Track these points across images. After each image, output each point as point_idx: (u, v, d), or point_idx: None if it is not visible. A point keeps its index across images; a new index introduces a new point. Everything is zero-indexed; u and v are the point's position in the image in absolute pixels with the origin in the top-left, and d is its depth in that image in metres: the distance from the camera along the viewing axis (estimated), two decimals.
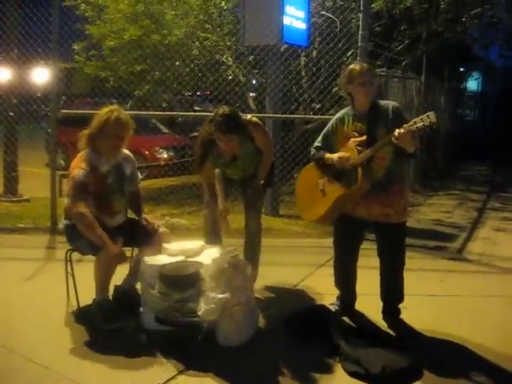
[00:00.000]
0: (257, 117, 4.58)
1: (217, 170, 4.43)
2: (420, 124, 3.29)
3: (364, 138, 3.64)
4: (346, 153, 3.67)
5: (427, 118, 3.27)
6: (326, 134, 3.93)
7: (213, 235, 4.51)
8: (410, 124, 3.34)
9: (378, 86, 7.77)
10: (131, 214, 4.35)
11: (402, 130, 3.34)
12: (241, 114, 4.24)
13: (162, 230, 4.21)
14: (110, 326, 3.80)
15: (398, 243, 3.87)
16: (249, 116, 4.36)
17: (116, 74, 9.22)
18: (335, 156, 3.72)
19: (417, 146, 3.50)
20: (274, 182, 4.83)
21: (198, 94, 11.46)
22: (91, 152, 3.97)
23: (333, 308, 4.13)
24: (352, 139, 3.68)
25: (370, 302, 4.13)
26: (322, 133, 3.98)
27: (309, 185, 3.99)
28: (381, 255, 3.92)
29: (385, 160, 3.65)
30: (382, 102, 3.78)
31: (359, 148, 3.61)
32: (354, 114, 3.76)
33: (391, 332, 3.90)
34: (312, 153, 3.98)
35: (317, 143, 3.97)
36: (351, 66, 3.77)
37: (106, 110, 3.99)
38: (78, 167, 3.88)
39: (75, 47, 9.13)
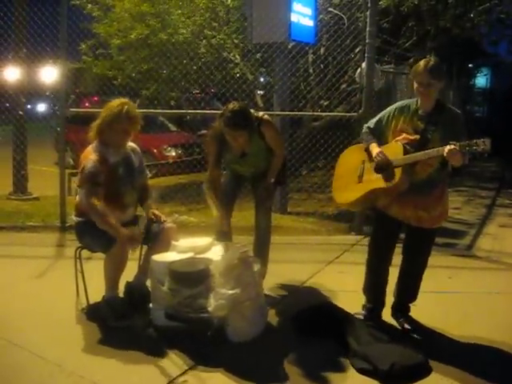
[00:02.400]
0: None
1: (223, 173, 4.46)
2: (473, 148, 3.20)
3: (417, 137, 3.51)
4: (393, 147, 3.56)
5: (482, 144, 3.17)
6: (380, 118, 3.75)
7: (222, 234, 4.52)
8: (463, 144, 3.22)
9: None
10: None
11: (452, 147, 3.22)
12: (252, 111, 4.24)
13: (168, 224, 4.22)
14: (119, 323, 3.83)
15: (424, 248, 3.82)
16: (261, 113, 4.35)
17: (124, 72, 9.24)
18: (376, 151, 3.59)
19: (465, 163, 3.36)
20: (285, 181, 4.81)
21: (213, 91, 11.39)
22: (100, 144, 3.99)
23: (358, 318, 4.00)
24: (404, 135, 3.55)
25: None
26: (378, 114, 3.81)
27: (349, 166, 3.86)
28: (405, 255, 3.86)
29: (431, 167, 3.54)
30: (448, 107, 3.62)
31: (407, 147, 3.49)
32: (416, 110, 3.60)
33: (399, 329, 3.90)
34: (363, 131, 3.81)
35: (370, 123, 3.81)
36: (420, 61, 3.56)
37: (116, 102, 3.99)
38: (88, 158, 3.90)
39: (82, 47, 9.16)
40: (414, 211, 3.63)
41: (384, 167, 3.55)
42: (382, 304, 4.02)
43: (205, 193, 4.44)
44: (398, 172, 3.51)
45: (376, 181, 3.62)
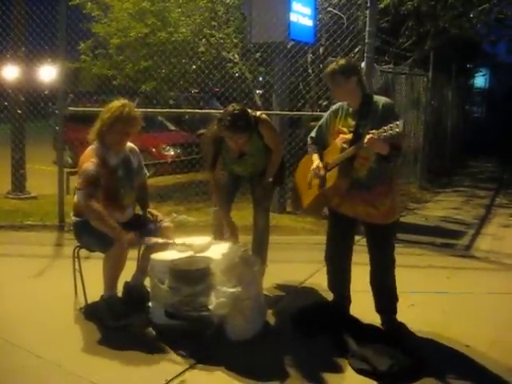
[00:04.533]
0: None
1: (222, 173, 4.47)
2: (388, 133, 3.20)
3: (349, 136, 3.54)
4: (332, 149, 3.63)
5: (396, 127, 3.16)
6: (320, 125, 3.86)
7: (220, 233, 4.52)
8: (379, 131, 3.24)
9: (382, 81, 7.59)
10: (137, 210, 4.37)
11: (369, 136, 3.26)
12: (250, 110, 4.23)
13: (165, 224, 4.21)
14: (118, 323, 3.82)
15: (383, 243, 3.79)
16: (258, 113, 4.34)
17: (122, 71, 9.24)
18: (314, 165, 3.71)
19: (398, 149, 3.37)
20: (284, 180, 4.81)
21: (217, 90, 11.37)
22: (100, 146, 3.97)
23: None
24: (340, 136, 3.59)
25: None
26: (319, 122, 3.91)
27: (302, 175, 3.94)
28: (369, 252, 3.87)
29: (367, 160, 3.53)
30: (376, 98, 3.63)
31: (345, 146, 3.52)
32: (348, 109, 3.67)
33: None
34: (308, 142, 3.93)
35: (312, 133, 3.91)
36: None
37: (117, 104, 3.96)
38: (88, 161, 3.87)
39: (81, 46, 9.16)
40: (364, 208, 3.64)
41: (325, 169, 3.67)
42: (348, 300, 4.02)
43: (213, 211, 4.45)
44: (334, 172, 3.56)
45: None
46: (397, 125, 3.17)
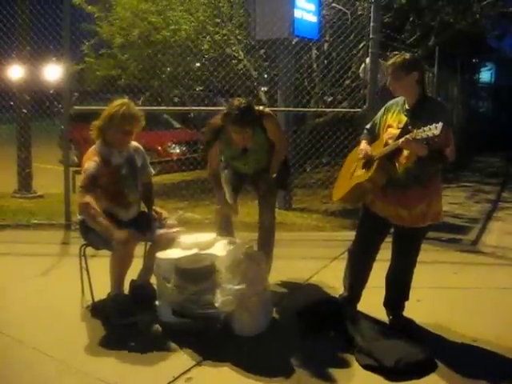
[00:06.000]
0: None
1: (224, 171, 4.45)
2: (424, 133, 3.15)
3: (397, 132, 3.50)
4: (378, 142, 3.62)
5: (434, 129, 3.10)
6: (375, 118, 3.84)
7: (224, 230, 4.52)
8: (416, 132, 3.20)
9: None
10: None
11: (408, 137, 3.25)
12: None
13: (170, 222, 4.21)
14: (125, 321, 3.83)
15: (409, 247, 3.77)
16: (261, 107, 4.33)
17: (127, 71, 9.24)
18: (361, 146, 3.71)
19: (440, 153, 3.33)
20: (289, 184, 4.76)
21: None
22: (102, 145, 3.99)
23: None
24: (389, 130, 3.57)
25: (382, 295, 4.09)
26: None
27: (348, 165, 3.93)
28: (392, 252, 3.86)
29: (407, 160, 3.49)
30: (432, 100, 3.60)
31: (390, 141, 3.50)
32: (403, 105, 3.60)
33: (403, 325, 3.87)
34: (363, 133, 3.89)
35: (367, 125, 3.89)
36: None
37: (116, 103, 3.99)
38: (90, 160, 3.89)
39: (85, 47, 9.15)
40: (395, 209, 3.60)
41: (367, 161, 3.64)
42: (358, 297, 4.03)
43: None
44: (374, 166, 3.54)
45: (359, 176, 3.67)
46: (435, 127, 3.10)
